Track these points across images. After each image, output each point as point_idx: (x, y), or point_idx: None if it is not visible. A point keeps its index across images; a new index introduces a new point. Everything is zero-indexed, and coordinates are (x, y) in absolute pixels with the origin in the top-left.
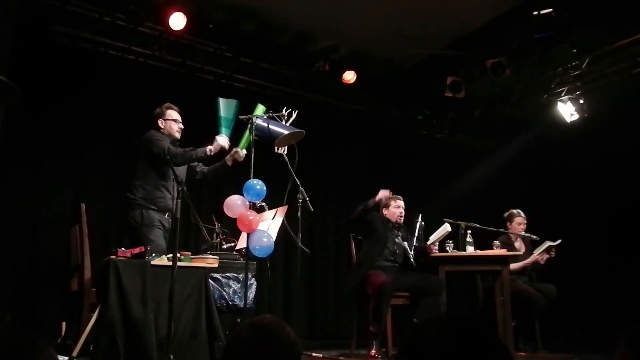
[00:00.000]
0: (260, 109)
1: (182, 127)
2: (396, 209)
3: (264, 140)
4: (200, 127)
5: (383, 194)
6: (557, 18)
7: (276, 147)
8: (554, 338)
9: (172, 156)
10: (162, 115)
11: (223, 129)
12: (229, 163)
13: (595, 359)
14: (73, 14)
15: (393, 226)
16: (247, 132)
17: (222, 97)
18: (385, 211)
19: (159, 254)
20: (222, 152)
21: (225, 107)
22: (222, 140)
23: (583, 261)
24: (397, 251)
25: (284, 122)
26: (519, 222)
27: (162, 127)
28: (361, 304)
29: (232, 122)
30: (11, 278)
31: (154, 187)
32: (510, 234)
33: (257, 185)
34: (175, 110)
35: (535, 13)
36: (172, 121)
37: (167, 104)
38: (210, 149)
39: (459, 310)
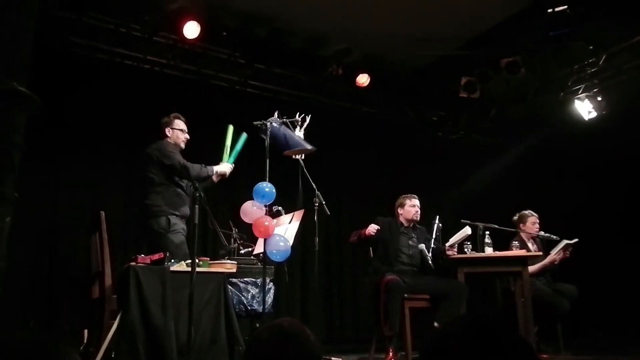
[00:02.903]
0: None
1: (188, 137)
2: (411, 207)
3: (278, 146)
4: (214, 134)
5: (372, 228)
6: (571, 15)
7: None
8: (576, 339)
9: (188, 170)
10: (169, 124)
11: (230, 159)
12: (215, 180)
13: None
14: (89, 25)
15: (407, 227)
16: (238, 147)
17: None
18: (400, 211)
19: (185, 259)
20: (221, 177)
21: (234, 136)
22: (227, 167)
23: (604, 261)
24: (413, 254)
25: (298, 128)
26: (532, 221)
27: (169, 135)
28: (379, 308)
29: (237, 154)
30: (32, 286)
31: (173, 194)
32: (524, 235)
33: (265, 188)
34: (183, 120)
35: (549, 10)
36: (179, 131)
37: (175, 114)
38: (216, 171)
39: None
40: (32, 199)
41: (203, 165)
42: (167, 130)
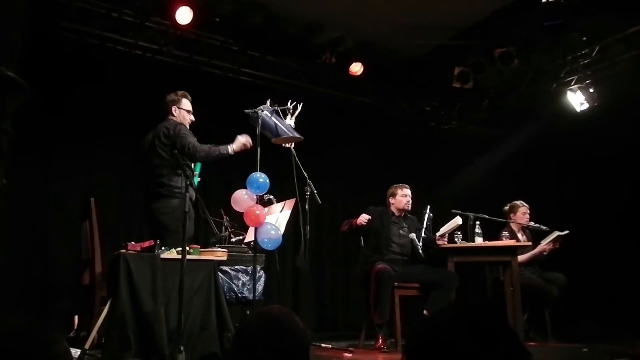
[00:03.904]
0: None
1: (193, 119)
2: (403, 197)
3: (268, 135)
4: (207, 122)
5: (364, 217)
6: (565, 5)
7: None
8: (564, 327)
9: (196, 151)
10: (177, 102)
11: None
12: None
13: (606, 348)
14: (80, 10)
15: (398, 217)
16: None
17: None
18: (392, 200)
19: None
20: (244, 150)
21: None
22: (245, 139)
23: (594, 251)
24: (404, 243)
25: (289, 116)
26: (523, 211)
27: (176, 114)
28: (369, 296)
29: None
30: (24, 273)
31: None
32: (514, 226)
33: (259, 178)
34: (190, 100)
35: (543, 1)
36: (186, 111)
37: (183, 92)
38: (232, 148)
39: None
40: (24, 187)
41: (212, 145)
42: (173, 108)
